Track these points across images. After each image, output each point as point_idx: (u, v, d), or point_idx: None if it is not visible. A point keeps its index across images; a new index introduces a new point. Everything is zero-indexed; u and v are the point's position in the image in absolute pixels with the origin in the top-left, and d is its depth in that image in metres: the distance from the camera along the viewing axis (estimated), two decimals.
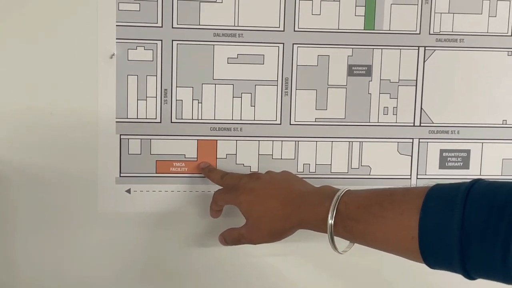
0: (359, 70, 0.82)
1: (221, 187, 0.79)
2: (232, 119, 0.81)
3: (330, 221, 0.67)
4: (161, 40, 0.78)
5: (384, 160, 0.84)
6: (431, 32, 0.82)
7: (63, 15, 0.76)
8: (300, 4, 0.79)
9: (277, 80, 0.81)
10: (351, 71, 0.82)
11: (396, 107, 0.83)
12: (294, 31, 0.80)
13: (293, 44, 0.80)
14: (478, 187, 0.59)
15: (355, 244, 0.70)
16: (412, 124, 0.84)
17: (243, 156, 0.82)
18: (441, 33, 0.82)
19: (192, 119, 0.80)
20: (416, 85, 0.83)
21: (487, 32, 0.82)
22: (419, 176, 0.84)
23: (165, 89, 0.79)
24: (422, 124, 0.84)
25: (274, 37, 0.80)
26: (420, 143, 0.84)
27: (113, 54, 0.78)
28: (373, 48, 0.81)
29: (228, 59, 0.80)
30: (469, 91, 0.83)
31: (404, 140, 0.84)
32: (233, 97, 0.81)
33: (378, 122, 0.83)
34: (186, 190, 0.82)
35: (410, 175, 0.84)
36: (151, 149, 0.80)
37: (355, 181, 0.83)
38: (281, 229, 0.73)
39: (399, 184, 0.83)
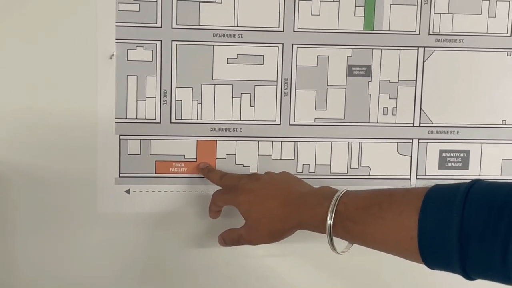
0: (359, 71, 0.82)
1: (220, 188, 0.79)
2: (232, 120, 0.81)
3: (329, 222, 0.67)
4: (161, 41, 0.78)
5: (384, 161, 0.84)
6: (431, 33, 0.82)
7: (63, 16, 0.76)
8: (300, 5, 0.80)
9: (277, 81, 0.81)
10: (351, 71, 0.82)
11: (396, 108, 0.83)
12: (294, 31, 0.80)
13: (292, 44, 0.80)
14: (477, 187, 0.59)
15: (354, 244, 0.70)
16: (412, 125, 0.84)
17: (243, 156, 0.82)
18: (440, 33, 0.82)
19: (192, 119, 0.80)
20: (415, 86, 0.83)
21: (487, 33, 0.82)
22: (418, 177, 0.84)
23: (165, 90, 0.79)
24: (421, 125, 0.84)
25: (273, 38, 0.80)
26: (419, 143, 0.84)
27: (113, 55, 0.78)
28: (373, 49, 0.81)
29: (228, 60, 0.80)
30: (468, 91, 0.83)
31: (403, 140, 0.84)
32: (232, 97, 0.81)
33: (377, 122, 0.83)
34: (186, 190, 0.82)
35: (410, 175, 0.84)
36: (150, 150, 0.80)
37: (354, 182, 0.83)
38: (280, 230, 0.73)
39: (398, 185, 0.83)
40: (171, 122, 0.80)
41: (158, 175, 0.81)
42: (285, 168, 0.80)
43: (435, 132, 0.84)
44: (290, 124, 0.82)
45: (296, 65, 0.81)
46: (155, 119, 0.80)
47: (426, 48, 0.82)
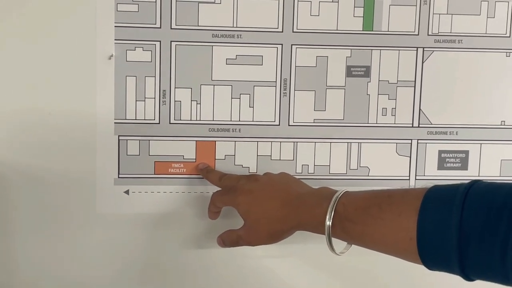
0: (358, 71, 0.82)
1: (219, 189, 0.79)
2: (231, 120, 0.81)
3: (328, 223, 0.67)
4: (160, 41, 0.78)
5: (383, 161, 0.84)
6: (430, 33, 0.82)
7: (62, 16, 0.76)
8: (299, 5, 0.79)
9: (276, 81, 0.81)
10: (350, 72, 0.82)
11: (395, 108, 0.83)
12: (293, 32, 0.80)
13: (291, 45, 0.80)
14: (476, 188, 0.59)
15: (352, 245, 0.70)
16: (411, 125, 0.84)
17: (242, 157, 0.82)
18: (439, 34, 0.82)
19: (191, 120, 0.80)
20: (414, 86, 0.83)
21: (486, 33, 0.82)
22: (417, 177, 0.84)
23: (164, 90, 0.79)
24: (420, 125, 0.84)
25: (272, 38, 0.80)
26: (418, 144, 0.84)
27: (112, 55, 0.78)
28: (372, 49, 0.81)
29: (227, 60, 0.80)
30: (467, 92, 0.83)
31: (402, 141, 0.84)
32: (231, 98, 0.81)
33: (376, 123, 0.83)
34: (185, 191, 0.82)
35: (409, 176, 0.84)
36: (149, 150, 0.80)
37: (353, 182, 0.83)
38: (279, 231, 0.73)
39: (397, 185, 0.83)
40: (170, 123, 0.80)
41: (157, 175, 0.81)
42: (284, 169, 0.80)
43: (434, 133, 0.84)
44: (289, 125, 0.82)
45: (295, 66, 0.81)
46: (154, 119, 0.80)
47: (425, 49, 0.82)
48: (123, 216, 0.81)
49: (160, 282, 0.84)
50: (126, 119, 0.79)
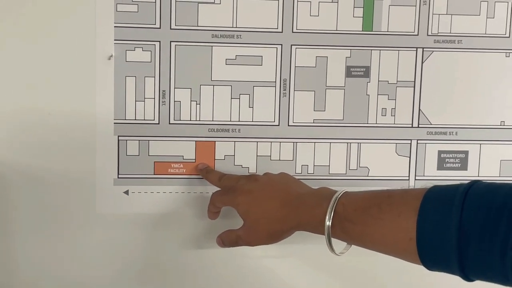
0: (357, 71, 0.82)
1: (219, 189, 0.79)
2: (230, 120, 0.81)
3: (328, 223, 0.67)
4: (159, 41, 0.78)
5: (382, 161, 0.84)
6: (429, 34, 0.82)
7: (62, 16, 0.76)
8: (298, 5, 0.79)
9: (275, 82, 0.81)
10: (349, 72, 0.82)
11: (394, 108, 0.83)
12: (292, 32, 0.80)
13: (291, 45, 0.80)
14: (476, 188, 0.59)
15: (352, 245, 0.70)
16: (410, 125, 0.84)
17: (241, 157, 0.82)
18: (439, 34, 0.82)
19: (190, 120, 0.80)
20: (414, 87, 0.83)
21: (485, 34, 0.82)
22: (417, 178, 0.84)
23: (163, 90, 0.79)
24: (420, 125, 0.84)
25: (272, 39, 0.80)
26: (418, 144, 0.84)
27: (111, 55, 0.78)
28: (371, 50, 0.81)
29: (226, 60, 0.80)
30: (467, 92, 0.83)
31: (402, 141, 0.84)
32: (231, 98, 0.81)
33: (376, 123, 0.83)
34: (184, 191, 0.82)
35: (408, 176, 0.84)
36: (149, 151, 0.80)
37: (353, 182, 0.83)
38: (279, 231, 0.73)
39: (397, 185, 0.83)
40: (169, 123, 0.80)
41: (156, 176, 0.81)
42: (283, 169, 0.80)
43: (433, 133, 0.84)
44: (289, 125, 0.82)
45: (295, 66, 0.81)
46: (154, 120, 0.80)
47: (424, 49, 0.82)
48: (122, 216, 0.81)
49: (160, 282, 0.84)
50: (125, 119, 0.79)
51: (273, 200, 0.73)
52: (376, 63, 0.81)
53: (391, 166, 0.84)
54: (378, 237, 0.64)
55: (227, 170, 0.81)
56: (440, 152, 0.84)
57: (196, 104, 0.80)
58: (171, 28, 0.78)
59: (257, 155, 0.82)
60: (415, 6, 0.81)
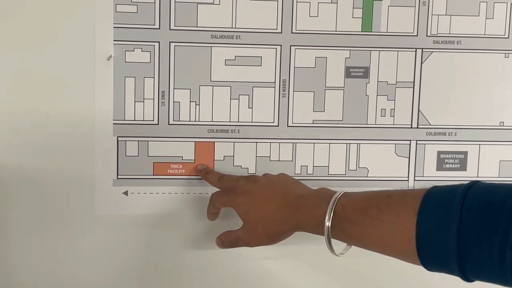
0: (357, 72, 0.82)
1: (218, 189, 0.79)
2: (230, 121, 0.81)
3: (327, 224, 0.67)
4: (159, 42, 0.78)
5: (382, 162, 0.84)
6: (429, 34, 0.82)
7: (61, 17, 0.76)
8: (298, 6, 0.80)
9: (275, 82, 0.81)
10: (349, 73, 0.82)
11: (394, 109, 0.83)
12: (292, 33, 0.80)
13: (290, 46, 0.80)
14: (475, 189, 0.59)
15: (352, 246, 0.70)
16: (410, 126, 0.84)
17: (241, 158, 0.82)
18: (438, 35, 0.82)
19: (190, 121, 0.80)
20: (413, 87, 0.83)
21: (484, 34, 0.82)
22: (416, 178, 0.84)
23: (163, 91, 0.79)
24: (419, 126, 0.84)
25: (271, 39, 0.80)
26: (417, 145, 0.84)
27: (111, 56, 0.78)
28: (371, 50, 0.81)
29: (226, 61, 0.80)
30: (466, 93, 0.84)
31: (401, 142, 0.84)
32: (230, 99, 0.81)
33: (375, 124, 0.83)
34: (184, 192, 0.82)
35: (408, 177, 0.84)
36: (148, 151, 0.80)
37: (352, 183, 0.83)
38: (279, 232, 0.73)
39: (396, 186, 0.83)
40: (169, 124, 0.80)
41: (156, 176, 0.81)
42: (283, 170, 0.80)
43: (433, 134, 0.84)
44: (288, 126, 0.82)
45: (294, 67, 0.81)
46: (153, 120, 0.80)
47: (424, 50, 0.82)
48: (122, 217, 0.81)
49: (159, 283, 0.84)
50: (125, 120, 0.79)
51: (272, 201, 0.73)
52: (375, 64, 0.82)
53: (390, 167, 0.84)
54: (378, 237, 0.64)
55: (227, 171, 0.81)
56: (439, 153, 0.84)
57: (196, 104, 0.80)
58: (170, 29, 0.78)
59: (256, 156, 0.82)
60: (414, 6, 0.81)
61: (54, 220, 0.80)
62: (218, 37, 0.79)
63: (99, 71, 0.78)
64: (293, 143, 0.82)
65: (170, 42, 0.78)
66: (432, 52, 0.82)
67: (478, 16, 0.82)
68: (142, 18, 0.77)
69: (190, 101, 0.80)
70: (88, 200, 0.80)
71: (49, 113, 0.78)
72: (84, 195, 0.80)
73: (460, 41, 0.82)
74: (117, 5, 0.77)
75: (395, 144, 0.84)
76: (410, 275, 0.79)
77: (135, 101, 0.79)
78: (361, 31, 0.81)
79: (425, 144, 0.84)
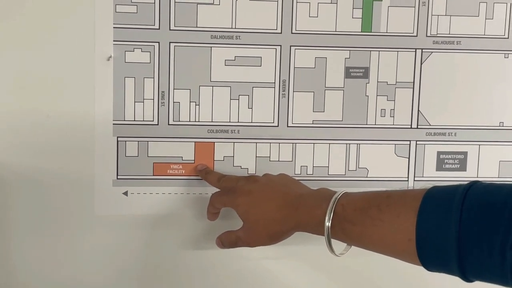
0: (357, 72, 0.82)
1: (218, 190, 0.79)
2: (230, 121, 0.81)
3: (327, 224, 0.67)
4: (159, 42, 0.78)
5: (382, 162, 0.84)
6: (428, 35, 0.82)
7: (61, 17, 0.76)
8: (298, 6, 0.80)
9: (275, 82, 0.81)
10: (349, 73, 0.82)
11: (393, 109, 0.83)
12: (292, 33, 0.80)
13: (290, 46, 0.80)
14: (475, 189, 0.59)
15: (352, 246, 0.70)
16: (409, 126, 0.84)
17: (241, 158, 0.82)
18: (438, 35, 0.82)
19: (190, 121, 0.80)
20: (413, 87, 0.83)
21: (484, 35, 0.82)
22: (416, 178, 0.84)
23: (163, 91, 0.79)
24: (419, 126, 0.84)
25: (271, 39, 0.80)
26: (417, 145, 0.84)
27: (110, 56, 0.78)
28: (370, 50, 0.81)
29: (226, 61, 0.80)
30: (466, 93, 0.84)
31: (401, 142, 0.84)
32: (230, 99, 0.81)
33: (375, 124, 0.83)
34: (183, 192, 0.82)
35: (407, 177, 0.84)
36: (148, 152, 0.80)
37: (352, 183, 0.83)
38: (279, 232, 0.73)
39: (396, 186, 0.83)
40: (169, 124, 0.80)
41: (155, 177, 0.81)
42: (283, 170, 0.80)
43: (432, 134, 0.84)
44: (288, 126, 0.82)
45: (294, 67, 0.81)
46: (153, 121, 0.80)
47: (423, 50, 0.82)
48: (122, 217, 0.81)
49: (159, 283, 0.84)
50: (124, 120, 0.79)
51: (272, 201, 0.73)
52: (375, 64, 0.82)
53: (390, 167, 0.84)
54: (377, 237, 0.64)
55: (227, 171, 0.81)
56: (439, 153, 0.84)
57: (195, 105, 0.80)
58: (170, 29, 0.78)
59: (256, 156, 0.82)
60: (414, 7, 0.81)
61: (54, 220, 0.80)
62: (218, 37, 0.79)
63: (99, 71, 0.78)
64: (293, 143, 0.82)
65: (170, 42, 0.78)
66: (432, 52, 0.82)
67: (478, 16, 0.82)
68: (142, 18, 0.77)
69: (190, 101, 0.80)
70: (88, 200, 0.80)
71: (49, 113, 0.78)
72: (84, 195, 0.80)
73: (460, 42, 0.82)
74: (117, 6, 0.77)
75: (395, 144, 0.84)
76: (410, 275, 0.79)
77: (135, 102, 0.79)
78: (361, 32, 0.81)
79: (425, 144, 0.84)
